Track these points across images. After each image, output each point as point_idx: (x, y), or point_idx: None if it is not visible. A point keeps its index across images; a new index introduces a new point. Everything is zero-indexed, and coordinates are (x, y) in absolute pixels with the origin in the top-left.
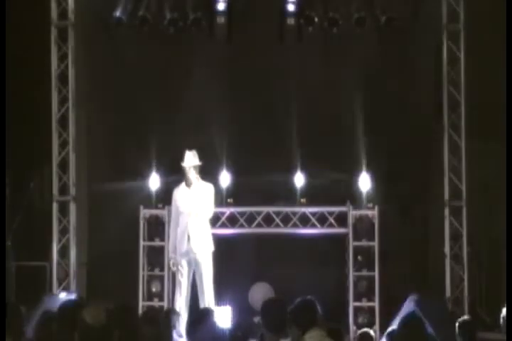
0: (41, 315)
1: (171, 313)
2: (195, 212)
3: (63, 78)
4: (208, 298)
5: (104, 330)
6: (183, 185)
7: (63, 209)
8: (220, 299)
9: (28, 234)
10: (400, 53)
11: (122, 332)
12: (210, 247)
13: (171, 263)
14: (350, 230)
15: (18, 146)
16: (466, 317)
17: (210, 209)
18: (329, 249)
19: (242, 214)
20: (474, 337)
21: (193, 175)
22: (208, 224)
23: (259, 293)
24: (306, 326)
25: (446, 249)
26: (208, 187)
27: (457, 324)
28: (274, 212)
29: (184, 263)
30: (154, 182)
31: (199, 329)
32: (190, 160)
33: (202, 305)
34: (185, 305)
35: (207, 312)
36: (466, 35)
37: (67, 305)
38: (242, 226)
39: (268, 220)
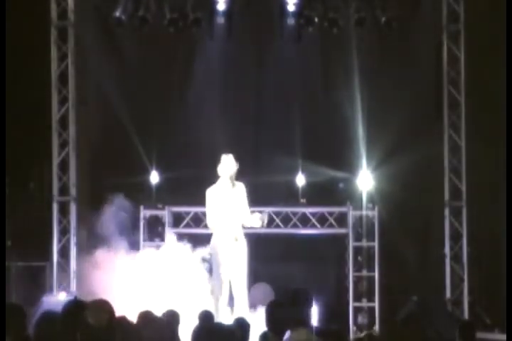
0: (42, 315)
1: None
2: (238, 215)
3: (63, 78)
4: (240, 302)
5: (106, 331)
6: (220, 186)
7: (63, 209)
8: None
9: (28, 234)
10: (400, 53)
11: (124, 333)
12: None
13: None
14: (350, 230)
15: (18, 146)
16: (466, 318)
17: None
18: (329, 249)
19: None
20: (474, 338)
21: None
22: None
23: (259, 293)
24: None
25: (446, 249)
26: (243, 188)
27: (458, 326)
28: (274, 212)
29: (225, 264)
30: (154, 181)
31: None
32: (232, 166)
33: (235, 308)
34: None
35: (207, 315)
36: (466, 35)
37: (70, 306)
38: None
39: (268, 220)
